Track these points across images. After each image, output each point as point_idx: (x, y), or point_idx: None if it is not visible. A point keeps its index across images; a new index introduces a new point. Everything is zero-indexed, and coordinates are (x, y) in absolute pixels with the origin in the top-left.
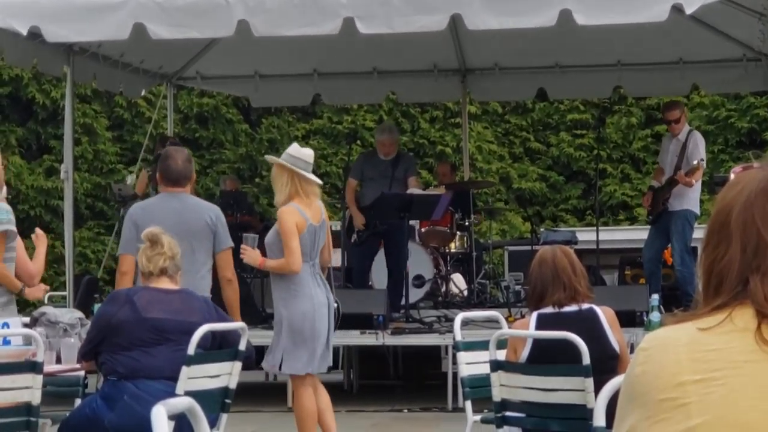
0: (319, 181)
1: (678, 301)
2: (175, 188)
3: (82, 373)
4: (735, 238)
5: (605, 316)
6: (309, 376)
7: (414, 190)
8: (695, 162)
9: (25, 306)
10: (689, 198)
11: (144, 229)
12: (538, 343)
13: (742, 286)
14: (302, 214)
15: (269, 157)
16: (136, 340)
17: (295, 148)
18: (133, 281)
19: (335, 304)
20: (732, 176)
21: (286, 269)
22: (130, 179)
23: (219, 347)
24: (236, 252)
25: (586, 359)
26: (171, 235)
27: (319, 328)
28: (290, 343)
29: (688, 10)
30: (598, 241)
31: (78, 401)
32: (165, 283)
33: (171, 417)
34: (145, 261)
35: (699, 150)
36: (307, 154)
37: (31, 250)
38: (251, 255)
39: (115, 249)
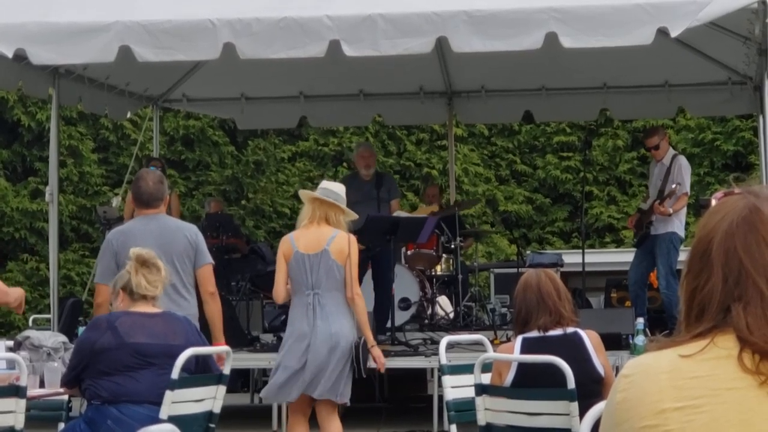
0: (351, 214)
1: (664, 324)
2: (148, 210)
3: (65, 397)
4: (717, 267)
5: (590, 340)
6: (293, 403)
7: (400, 213)
8: (673, 186)
9: (9, 329)
10: (674, 221)
11: (123, 255)
12: (523, 367)
13: (723, 314)
14: (291, 242)
15: (302, 192)
16: (120, 365)
17: (326, 183)
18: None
19: (351, 340)
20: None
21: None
22: (115, 201)
23: (203, 370)
24: (221, 273)
25: (571, 383)
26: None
27: (295, 360)
28: (275, 370)
29: (674, 34)
30: (584, 264)
31: (61, 425)
32: (146, 307)
33: None
34: (145, 283)
35: (682, 174)
36: (339, 186)
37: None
38: None
39: None
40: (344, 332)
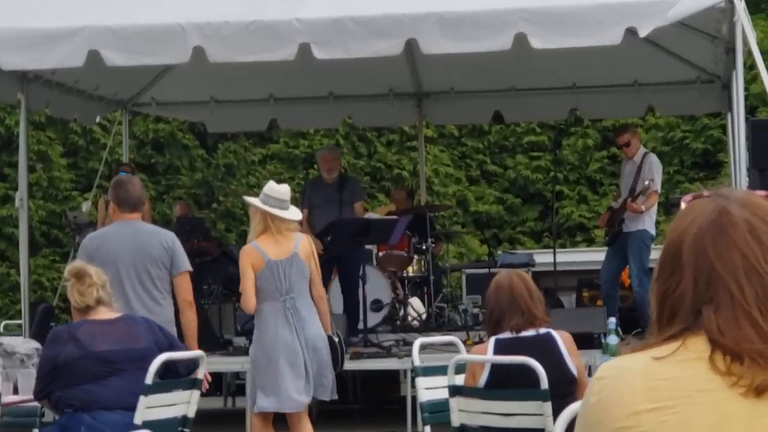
0: (293, 217)
1: (636, 322)
2: (132, 214)
3: (38, 404)
4: (687, 270)
5: (563, 340)
6: (259, 415)
7: (371, 215)
8: (646, 183)
9: None
10: (645, 219)
11: (98, 260)
12: (496, 368)
13: (694, 317)
14: (259, 251)
15: (246, 198)
16: (87, 375)
17: (269, 186)
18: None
19: (335, 339)
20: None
21: (243, 308)
22: (85, 206)
23: (169, 369)
24: (192, 277)
25: (545, 384)
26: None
27: (277, 367)
28: (250, 378)
29: (642, 33)
30: (555, 263)
31: None
32: (104, 313)
33: None
34: (79, 296)
35: (653, 172)
36: (280, 191)
37: None
38: None
39: None
40: (321, 333)
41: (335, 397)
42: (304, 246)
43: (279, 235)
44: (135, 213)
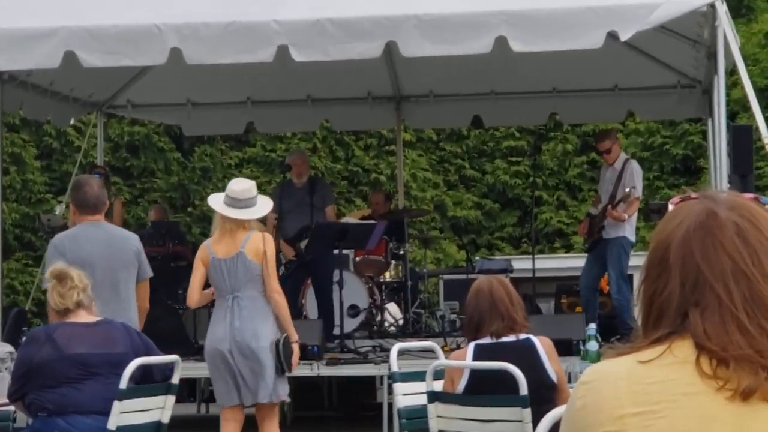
0: (244, 216)
1: (615, 329)
2: (94, 216)
3: (12, 408)
4: (674, 272)
5: (543, 346)
6: (230, 409)
7: (349, 220)
8: (627, 190)
9: None
10: (625, 226)
11: (71, 260)
12: (475, 373)
13: (681, 320)
14: (208, 249)
15: (209, 199)
16: (62, 377)
17: (228, 185)
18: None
19: (279, 339)
20: (670, 207)
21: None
22: (59, 209)
23: (145, 375)
24: (167, 281)
25: (524, 390)
26: (90, 266)
27: (217, 364)
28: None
29: (623, 37)
30: (534, 270)
31: None
32: (83, 317)
33: None
34: (59, 298)
35: (634, 179)
36: (236, 190)
37: None
38: None
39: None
40: (265, 332)
41: (276, 400)
42: (253, 244)
43: (230, 233)
44: (97, 215)
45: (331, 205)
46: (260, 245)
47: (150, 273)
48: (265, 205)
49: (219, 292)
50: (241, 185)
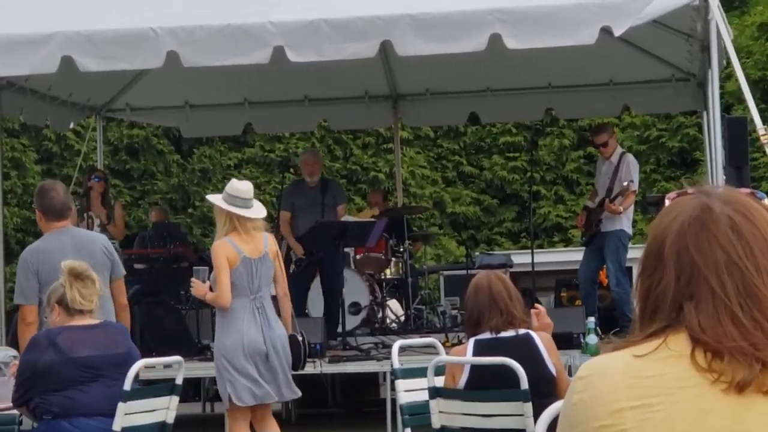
0: (258, 215)
1: (614, 322)
2: (60, 222)
3: (17, 411)
4: (669, 266)
5: (542, 340)
6: (241, 409)
7: (348, 218)
8: (625, 183)
9: None
10: (622, 218)
11: (44, 273)
12: (476, 369)
13: (676, 313)
14: (235, 247)
15: (209, 197)
16: (67, 380)
17: (231, 185)
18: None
19: (298, 338)
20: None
21: (216, 303)
22: None
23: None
24: (169, 282)
25: (524, 384)
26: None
27: (245, 364)
28: (218, 374)
29: (617, 32)
30: (533, 264)
31: None
32: (84, 319)
33: None
34: (80, 297)
35: (631, 173)
36: (243, 189)
37: None
38: (198, 288)
39: None
40: (283, 333)
41: (299, 394)
42: (272, 246)
43: (246, 234)
44: (63, 221)
45: (342, 204)
46: (275, 246)
47: (123, 271)
48: (260, 205)
49: (241, 292)
50: (243, 185)
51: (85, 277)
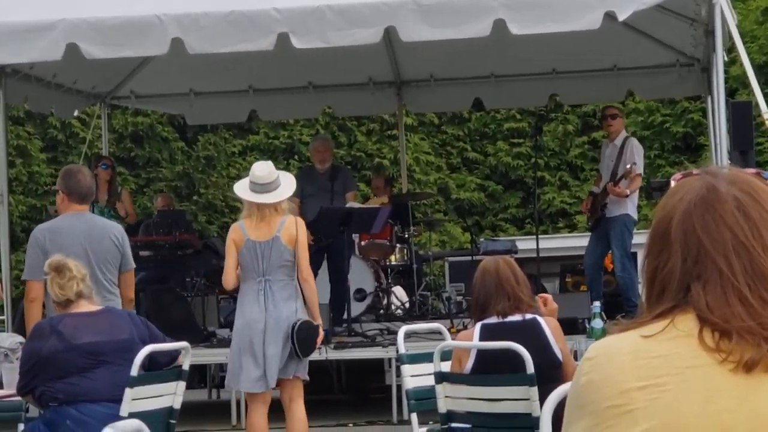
0: (272, 200)
1: (620, 307)
2: (81, 206)
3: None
4: (676, 247)
5: (548, 325)
6: (260, 394)
7: (353, 204)
8: (628, 166)
9: None
10: (627, 203)
11: (52, 252)
12: (482, 353)
13: (683, 294)
14: (242, 230)
15: (234, 188)
16: (72, 367)
17: (251, 170)
18: (43, 306)
19: (314, 323)
20: (672, 183)
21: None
22: None
23: (149, 360)
24: (177, 270)
25: (531, 369)
26: (73, 258)
27: (248, 346)
28: (230, 358)
29: (621, 17)
30: (538, 250)
31: (21, 426)
32: (85, 306)
33: None
34: (59, 290)
35: (635, 156)
36: (259, 175)
37: None
38: None
39: None
40: (289, 315)
41: (302, 377)
42: (288, 229)
43: (261, 219)
44: (84, 204)
45: (352, 191)
46: (293, 230)
47: (133, 264)
48: (289, 185)
49: (248, 274)
50: (264, 169)
51: (62, 268)
